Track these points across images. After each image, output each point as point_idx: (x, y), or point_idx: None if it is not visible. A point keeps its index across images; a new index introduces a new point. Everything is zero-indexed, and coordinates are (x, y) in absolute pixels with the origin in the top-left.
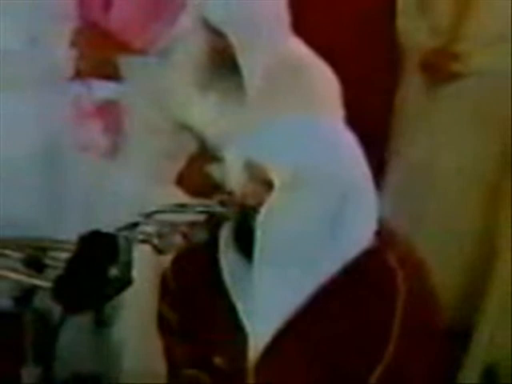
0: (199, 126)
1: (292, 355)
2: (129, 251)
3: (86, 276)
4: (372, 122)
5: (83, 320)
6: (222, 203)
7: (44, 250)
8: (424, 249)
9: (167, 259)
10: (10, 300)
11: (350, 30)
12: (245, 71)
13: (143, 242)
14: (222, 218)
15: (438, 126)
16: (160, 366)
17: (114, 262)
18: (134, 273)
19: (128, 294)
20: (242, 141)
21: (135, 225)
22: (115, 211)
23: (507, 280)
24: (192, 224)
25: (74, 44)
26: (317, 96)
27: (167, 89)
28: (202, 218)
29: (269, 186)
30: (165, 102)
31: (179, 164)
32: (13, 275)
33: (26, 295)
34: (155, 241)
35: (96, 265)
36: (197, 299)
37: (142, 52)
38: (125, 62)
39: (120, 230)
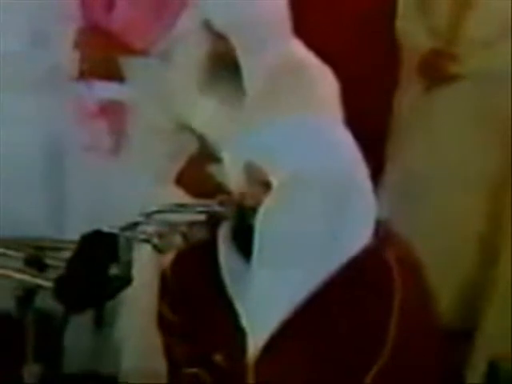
0: (200, 127)
1: (290, 353)
2: (129, 250)
3: (86, 275)
4: (371, 122)
5: (84, 319)
6: (221, 203)
7: (45, 249)
8: (422, 249)
9: (167, 259)
10: (12, 299)
11: (350, 32)
12: (246, 73)
13: (143, 241)
14: (221, 218)
15: (436, 127)
16: (160, 365)
17: (114, 261)
18: (134, 272)
19: (128, 293)
20: (241, 141)
21: (135, 224)
22: (118, 211)
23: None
24: (192, 224)
25: (76, 45)
26: (317, 97)
27: (169, 89)
28: (201, 217)
29: (267, 186)
30: (167, 102)
31: (180, 164)
32: (14, 275)
33: (27, 295)
34: (155, 240)
35: (96, 264)
36: (196, 298)
37: (144, 53)
38: (127, 63)
39: (120, 229)
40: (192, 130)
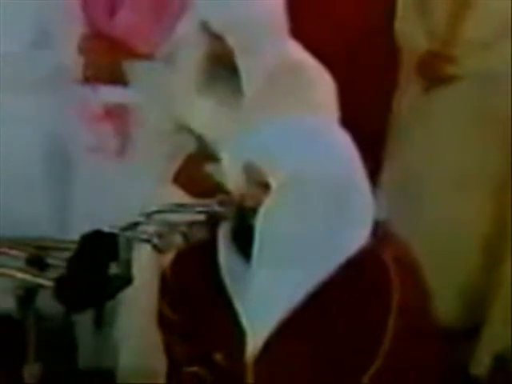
0: (198, 127)
1: (289, 353)
2: (129, 250)
3: (86, 274)
4: (370, 123)
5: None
6: (221, 203)
7: (47, 249)
8: (420, 249)
9: (167, 259)
10: (14, 298)
11: (350, 33)
12: (243, 74)
13: (143, 241)
14: (221, 218)
15: (435, 127)
16: (159, 364)
17: (114, 260)
18: (134, 272)
19: (128, 293)
20: (240, 142)
21: (136, 224)
22: (121, 212)
23: None
24: (191, 224)
25: (81, 51)
26: (314, 98)
27: (170, 91)
28: (201, 217)
29: (267, 187)
30: (168, 104)
31: (178, 163)
32: (16, 274)
33: (28, 294)
34: (155, 240)
35: (97, 264)
36: (196, 298)
37: (149, 57)
38: (131, 67)
39: (121, 229)
40: (190, 131)
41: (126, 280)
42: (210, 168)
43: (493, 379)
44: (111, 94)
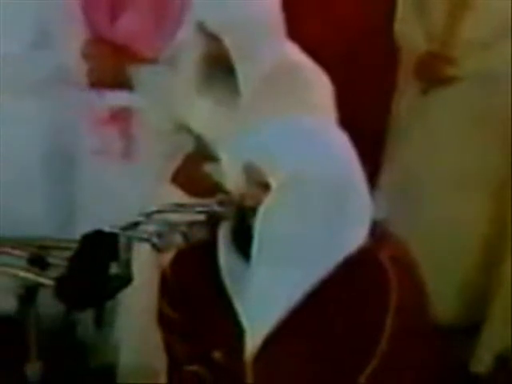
0: (197, 127)
1: (287, 351)
2: (129, 250)
3: (87, 274)
4: (370, 123)
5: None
6: (221, 203)
7: (48, 248)
8: (420, 249)
9: (167, 258)
10: (15, 298)
11: (350, 34)
12: (240, 75)
13: (143, 240)
14: (221, 218)
15: (433, 128)
16: (159, 363)
17: (114, 260)
18: (134, 271)
19: (128, 293)
20: (240, 142)
21: (136, 224)
22: (121, 212)
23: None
24: (191, 224)
25: (85, 57)
26: (311, 99)
27: (171, 92)
28: (201, 217)
29: (266, 187)
30: (169, 105)
31: (176, 163)
32: (18, 273)
33: (29, 293)
34: (155, 240)
35: (97, 263)
36: (196, 297)
37: (153, 61)
38: (135, 72)
39: (121, 229)
40: (189, 131)
41: (125, 279)
42: (208, 168)
43: (494, 379)
44: (116, 98)
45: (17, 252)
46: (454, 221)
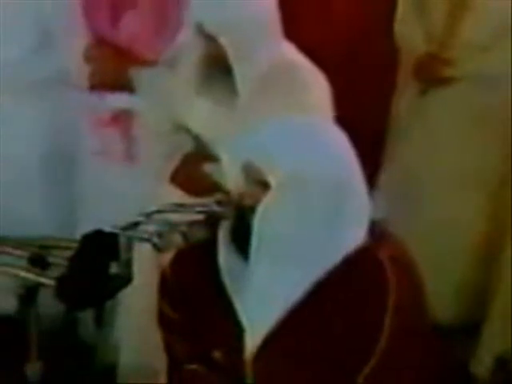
0: (196, 128)
1: (286, 351)
2: (129, 250)
3: (87, 273)
4: (369, 124)
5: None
6: (220, 203)
7: (49, 248)
8: (419, 249)
9: (167, 258)
10: (15, 298)
11: (349, 34)
12: (237, 75)
13: (143, 240)
14: (220, 218)
15: (433, 128)
16: (159, 362)
17: (114, 260)
18: (134, 271)
19: (128, 292)
20: (239, 142)
21: (136, 224)
22: (121, 212)
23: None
24: (191, 223)
25: (86, 60)
26: (308, 99)
27: (171, 93)
28: (201, 217)
29: (265, 186)
30: (169, 106)
31: (175, 163)
32: (19, 273)
33: (30, 293)
34: (155, 240)
35: (97, 263)
36: (196, 297)
37: (152, 63)
38: (136, 74)
39: (121, 229)
40: (188, 131)
41: (126, 279)
42: (207, 167)
43: (494, 380)
44: (117, 100)
45: (17, 252)
46: (454, 220)
